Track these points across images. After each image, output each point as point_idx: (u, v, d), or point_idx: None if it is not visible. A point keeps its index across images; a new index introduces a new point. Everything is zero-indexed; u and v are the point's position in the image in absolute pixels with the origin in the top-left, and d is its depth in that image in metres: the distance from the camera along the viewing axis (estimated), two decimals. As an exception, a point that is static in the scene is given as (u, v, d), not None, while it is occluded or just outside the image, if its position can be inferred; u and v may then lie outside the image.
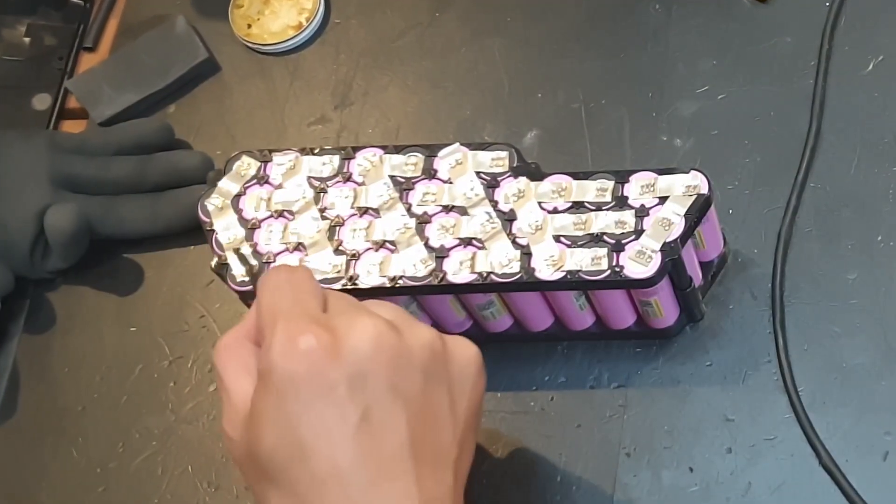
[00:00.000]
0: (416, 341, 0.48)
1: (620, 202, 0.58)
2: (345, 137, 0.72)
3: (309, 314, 0.48)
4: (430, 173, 0.60)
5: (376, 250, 0.59)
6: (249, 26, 0.76)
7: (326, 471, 0.46)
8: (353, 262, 0.58)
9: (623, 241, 0.57)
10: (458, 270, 0.57)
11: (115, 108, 0.74)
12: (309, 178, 0.61)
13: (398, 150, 0.61)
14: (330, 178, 0.61)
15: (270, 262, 0.59)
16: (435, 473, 0.48)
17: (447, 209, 0.59)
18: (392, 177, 0.60)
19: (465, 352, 0.50)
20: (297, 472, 0.46)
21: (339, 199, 0.60)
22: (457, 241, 0.58)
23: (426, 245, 0.58)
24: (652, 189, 0.58)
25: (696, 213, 0.57)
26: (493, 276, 0.57)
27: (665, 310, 0.61)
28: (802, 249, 0.64)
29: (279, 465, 0.46)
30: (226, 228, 0.60)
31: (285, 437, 0.46)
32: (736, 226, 0.65)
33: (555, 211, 0.58)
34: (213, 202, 0.61)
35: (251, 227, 0.60)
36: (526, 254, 0.57)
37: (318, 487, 0.46)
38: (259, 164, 0.62)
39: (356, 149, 0.61)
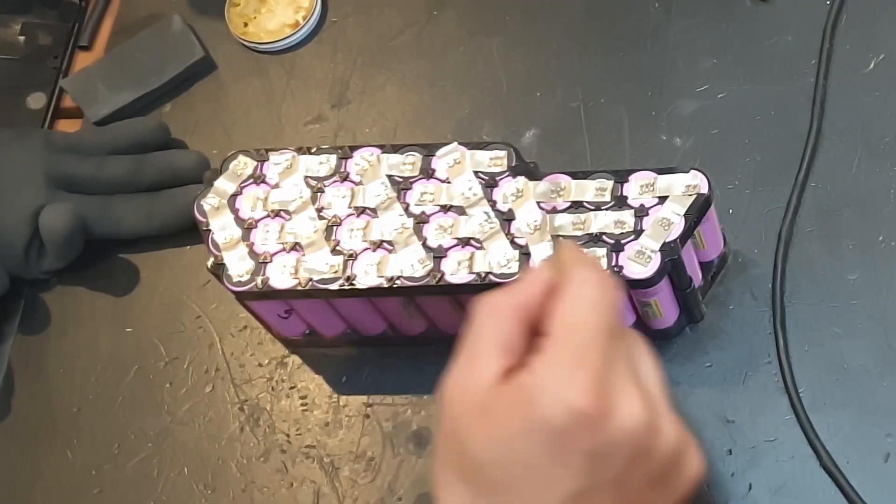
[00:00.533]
0: (663, 446, 0.46)
1: (620, 202, 0.58)
2: (342, 137, 0.72)
3: (598, 368, 0.45)
4: (427, 173, 0.60)
5: (374, 250, 0.58)
6: (246, 25, 0.76)
7: None
8: (351, 262, 0.58)
9: (622, 241, 0.57)
10: (456, 271, 0.57)
11: (110, 107, 0.74)
12: (306, 177, 0.61)
13: (396, 149, 0.61)
14: (327, 178, 0.61)
15: (267, 263, 0.59)
16: None
17: (445, 209, 0.59)
18: (389, 176, 0.60)
19: (693, 466, 0.48)
20: (495, 492, 0.46)
21: (336, 198, 0.60)
22: (455, 241, 0.58)
23: (424, 245, 0.58)
24: (651, 189, 0.58)
25: (696, 212, 0.57)
26: (491, 277, 0.57)
27: (665, 310, 0.60)
28: (803, 250, 0.64)
29: (484, 475, 0.46)
30: (222, 228, 0.60)
31: (507, 463, 0.45)
32: (736, 226, 0.65)
33: (554, 211, 0.58)
34: (209, 202, 0.61)
35: (248, 227, 0.60)
36: (524, 254, 0.57)
37: None
38: (255, 163, 0.62)
39: (353, 148, 0.61)
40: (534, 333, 0.47)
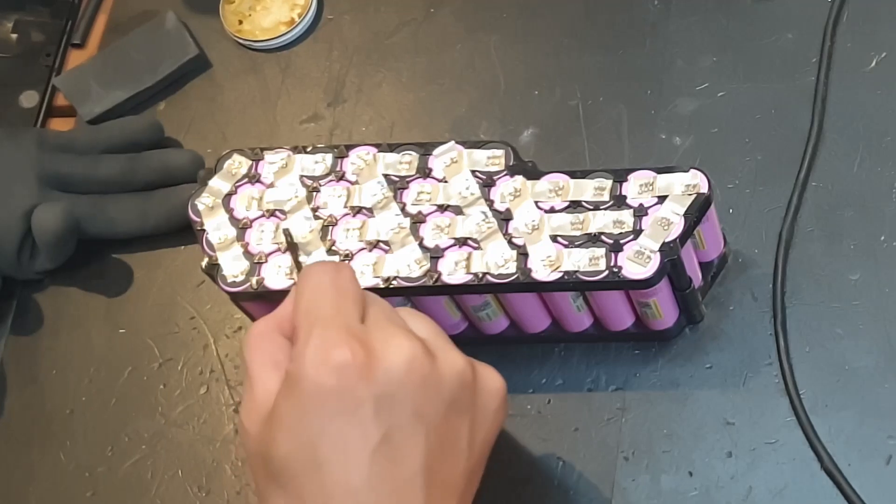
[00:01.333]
0: (448, 369, 0.48)
1: (618, 201, 0.57)
2: (338, 135, 0.72)
3: (347, 325, 0.48)
4: (424, 172, 0.60)
5: (370, 250, 0.58)
6: (241, 22, 0.76)
7: (337, 486, 0.46)
8: (347, 262, 0.58)
9: (621, 241, 0.56)
10: (453, 271, 0.57)
11: (103, 105, 0.74)
12: (301, 176, 0.61)
13: (392, 148, 0.61)
14: (323, 177, 0.61)
15: (262, 263, 0.59)
16: (442, 503, 0.48)
17: (442, 209, 0.59)
18: (386, 175, 0.60)
19: (492, 384, 0.50)
20: (307, 482, 0.46)
21: (331, 198, 0.60)
22: (452, 241, 0.58)
23: (421, 245, 0.58)
24: (651, 188, 0.57)
25: (696, 212, 0.57)
26: (488, 277, 0.57)
27: (664, 311, 0.60)
28: (804, 250, 0.64)
29: (291, 472, 0.47)
30: (216, 228, 0.60)
31: (302, 446, 0.46)
32: (736, 225, 0.65)
33: (552, 210, 0.58)
34: (203, 201, 0.61)
35: (242, 227, 0.60)
36: (522, 254, 0.57)
37: (325, 501, 0.46)
38: (250, 162, 0.62)
39: (349, 147, 0.61)
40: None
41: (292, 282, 0.57)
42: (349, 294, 0.49)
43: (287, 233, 0.58)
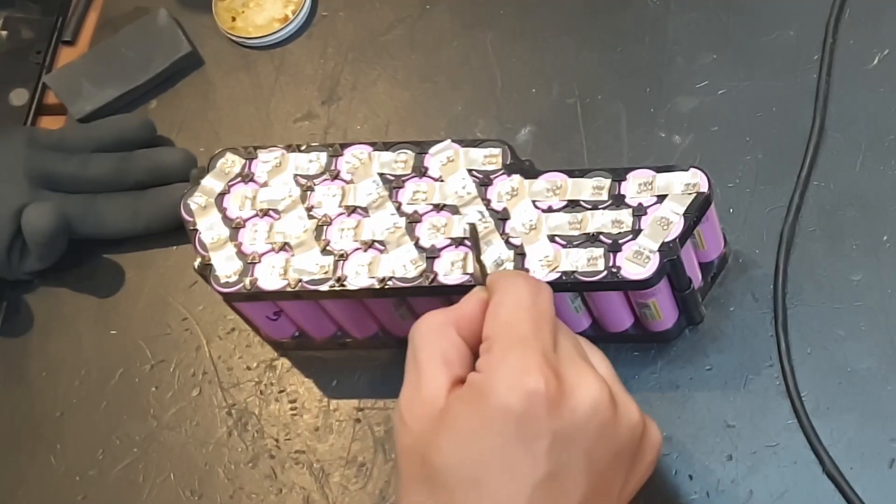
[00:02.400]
0: (625, 420, 0.49)
1: (617, 201, 0.57)
2: (332, 134, 0.72)
3: (545, 351, 0.48)
4: (420, 171, 0.60)
5: (365, 250, 0.58)
6: (234, 19, 0.76)
7: None
8: (341, 262, 0.58)
9: (620, 241, 0.56)
10: (449, 271, 0.57)
11: (94, 103, 0.74)
12: (295, 175, 0.61)
13: (387, 146, 0.61)
14: (317, 176, 0.61)
15: (256, 263, 0.59)
16: None
17: (438, 208, 0.59)
18: (381, 174, 0.60)
19: (654, 439, 0.51)
20: (462, 497, 0.46)
21: (326, 197, 0.60)
22: (448, 241, 0.58)
23: (416, 245, 0.58)
24: (650, 187, 0.57)
25: (696, 212, 0.57)
26: None
27: (664, 312, 0.60)
28: (805, 250, 0.64)
29: (449, 482, 0.46)
30: (209, 228, 0.60)
31: (469, 461, 0.46)
32: (737, 225, 0.65)
33: (549, 210, 0.58)
34: (196, 201, 0.61)
35: (235, 227, 0.60)
36: (520, 254, 0.57)
37: None
38: (244, 161, 0.62)
39: (344, 146, 0.61)
40: (473, 350, 0.49)
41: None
42: (547, 317, 0.49)
43: (472, 228, 0.57)
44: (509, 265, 0.56)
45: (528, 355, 0.47)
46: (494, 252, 0.57)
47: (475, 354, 0.49)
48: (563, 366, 0.48)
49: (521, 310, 0.49)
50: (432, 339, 0.49)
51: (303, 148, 0.61)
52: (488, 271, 0.55)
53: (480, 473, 0.46)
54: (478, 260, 0.56)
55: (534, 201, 0.58)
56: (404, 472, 0.48)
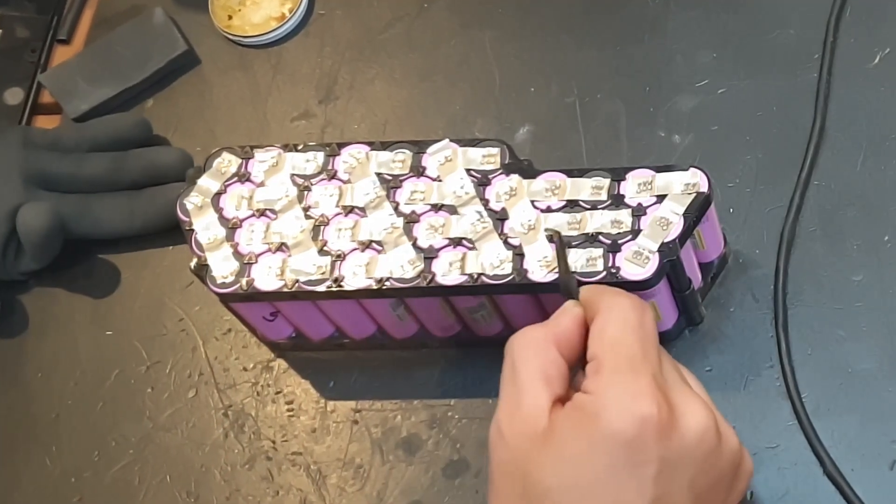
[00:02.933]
0: (728, 449, 0.49)
1: (616, 201, 0.57)
2: (329, 133, 0.72)
3: (654, 375, 0.47)
4: (418, 171, 0.60)
5: (362, 251, 0.58)
6: (230, 17, 0.76)
7: None
8: (339, 263, 0.58)
9: (619, 242, 0.56)
10: (447, 272, 0.57)
11: (90, 102, 0.74)
12: (292, 175, 0.61)
13: (385, 146, 0.61)
14: (314, 176, 0.60)
15: (252, 264, 0.59)
16: None
17: (436, 208, 0.59)
18: (379, 174, 0.60)
19: (748, 467, 0.51)
20: None
21: (323, 197, 0.60)
22: (446, 242, 0.58)
23: (414, 245, 0.58)
24: (649, 187, 0.57)
25: (696, 212, 0.57)
26: (483, 278, 0.57)
27: (663, 313, 0.60)
28: (806, 250, 0.63)
29: (548, 503, 0.46)
30: (206, 228, 0.60)
31: (574, 485, 0.46)
32: (737, 225, 0.64)
33: (548, 210, 0.58)
34: (192, 201, 0.61)
35: (232, 227, 0.60)
36: (518, 255, 0.57)
37: None
38: (240, 160, 0.62)
39: (341, 145, 0.61)
40: (571, 367, 0.49)
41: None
42: (653, 339, 0.49)
43: (558, 236, 0.56)
44: (508, 266, 0.56)
45: (639, 379, 0.47)
46: (492, 252, 0.57)
47: (572, 372, 0.49)
48: (671, 391, 0.47)
49: (629, 331, 0.48)
50: (532, 354, 0.49)
51: (300, 147, 0.61)
52: (572, 280, 0.54)
53: (585, 497, 0.46)
54: (566, 271, 0.55)
55: (532, 201, 0.58)
56: (501, 489, 0.48)
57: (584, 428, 0.46)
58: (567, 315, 0.50)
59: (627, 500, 0.46)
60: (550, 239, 0.56)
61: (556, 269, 0.55)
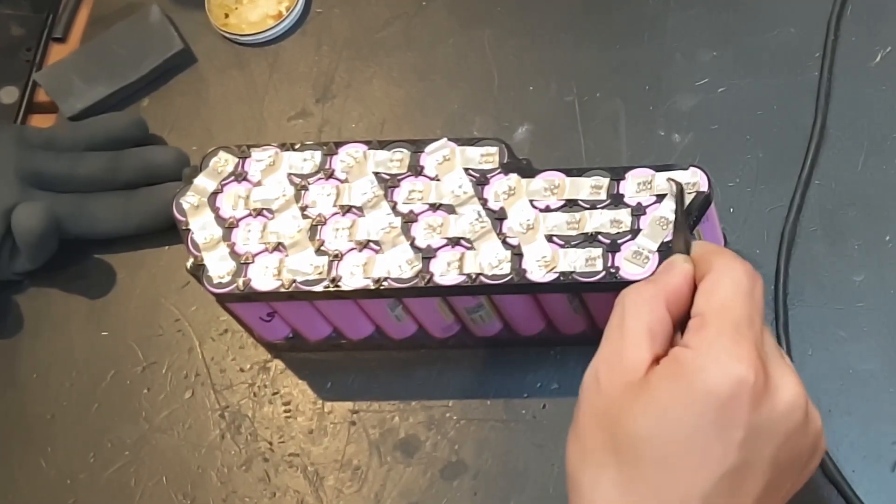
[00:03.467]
0: (812, 429, 0.49)
1: (616, 200, 0.57)
2: (327, 132, 0.72)
3: (757, 342, 0.48)
4: (416, 170, 0.60)
5: (360, 250, 0.58)
6: (227, 16, 0.76)
7: (672, 491, 0.46)
8: (336, 262, 0.58)
9: (619, 241, 0.56)
10: (445, 272, 0.57)
11: (85, 101, 0.74)
12: (289, 174, 0.61)
13: (383, 145, 0.61)
14: (311, 175, 0.60)
15: (249, 263, 0.59)
16: None
17: (434, 207, 0.59)
18: (376, 173, 0.60)
19: (821, 451, 0.52)
20: (648, 471, 0.47)
21: (320, 196, 0.60)
22: (444, 241, 0.58)
23: (412, 245, 0.58)
24: (649, 186, 0.57)
25: (696, 211, 0.56)
26: (482, 278, 0.57)
27: (663, 313, 0.59)
28: (807, 250, 0.63)
29: (637, 454, 0.47)
30: (202, 228, 0.60)
31: (663, 437, 0.47)
32: (737, 225, 0.64)
33: (547, 209, 0.57)
34: (188, 200, 0.61)
35: (228, 227, 0.60)
36: (517, 254, 0.57)
37: (654, 495, 0.47)
38: (237, 160, 0.62)
39: (339, 144, 0.61)
40: (676, 324, 0.50)
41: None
42: (760, 310, 0.50)
43: (678, 187, 0.55)
44: (506, 266, 0.56)
45: (742, 343, 0.47)
46: (491, 252, 0.56)
47: (676, 328, 0.50)
48: (769, 362, 0.48)
49: (740, 295, 0.49)
50: (642, 309, 0.49)
51: (297, 146, 0.61)
52: (690, 239, 0.54)
53: (672, 452, 0.46)
54: (684, 226, 0.54)
55: (531, 201, 0.58)
56: (588, 436, 0.48)
57: (680, 381, 0.47)
58: (678, 273, 0.51)
59: (711, 461, 0.46)
60: (673, 190, 0.55)
61: (672, 222, 0.55)
